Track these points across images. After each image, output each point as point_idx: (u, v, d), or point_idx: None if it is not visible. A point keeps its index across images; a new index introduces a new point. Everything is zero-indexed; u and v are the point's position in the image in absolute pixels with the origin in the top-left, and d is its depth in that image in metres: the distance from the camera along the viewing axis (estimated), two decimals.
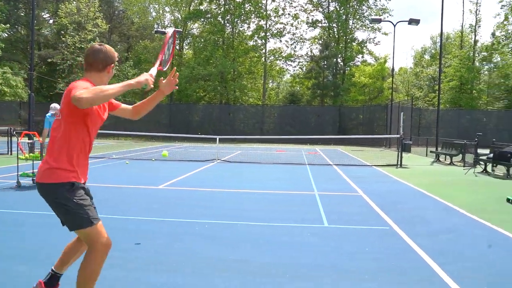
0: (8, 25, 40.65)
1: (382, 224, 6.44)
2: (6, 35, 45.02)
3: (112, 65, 3.15)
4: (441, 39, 24.22)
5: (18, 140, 9.71)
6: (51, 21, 51.84)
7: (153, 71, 3.10)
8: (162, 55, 3.28)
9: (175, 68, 3.45)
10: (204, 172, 13.19)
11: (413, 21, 30.14)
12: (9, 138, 17.64)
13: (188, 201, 8.25)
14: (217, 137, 18.85)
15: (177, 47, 49.02)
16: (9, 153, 17.40)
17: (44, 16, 51.86)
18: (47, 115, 9.96)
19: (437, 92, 25.53)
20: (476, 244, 5.51)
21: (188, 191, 9.41)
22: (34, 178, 9.49)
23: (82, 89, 2.70)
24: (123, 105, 3.45)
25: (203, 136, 22.41)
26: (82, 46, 40.75)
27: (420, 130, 36.45)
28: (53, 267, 3.34)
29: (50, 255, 4.42)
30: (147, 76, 2.95)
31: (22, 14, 48.33)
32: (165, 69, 3.40)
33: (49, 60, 42.22)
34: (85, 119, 2.97)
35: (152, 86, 3.01)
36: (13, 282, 3.87)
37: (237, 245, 5.21)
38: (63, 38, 40.77)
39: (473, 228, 6.39)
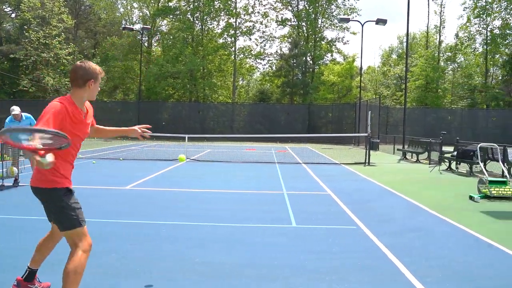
0: None
1: (349, 224, 6.50)
2: None
3: (92, 80, 3.26)
4: (407, 39, 24.73)
5: None
6: (13, 15, 50.18)
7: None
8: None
9: (150, 126, 4.01)
10: (172, 172, 13.03)
11: (381, 21, 30.71)
12: None
13: (155, 202, 8.11)
14: (186, 136, 18.67)
15: (146, 44, 48.33)
16: None
17: (6, 10, 50.15)
18: (7, 119, 9.60)
19: (404, 91, 26.06)
20: (440, 242, 5.62)
21: (156, 192, 9.26)
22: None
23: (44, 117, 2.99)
24: (95, 125, 3.80)
25: (172, 134, 22.10)
26: (47, 42, 39.61)
27: (388, 128, 37.17)
28: (28, 265, 3.61)
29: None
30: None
31: None
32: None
33: (12, 56, 40.83)
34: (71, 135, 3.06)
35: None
36: None
37: (204, 247, 5.15)
38: (26, 33, 39.50)
39: (438, 226, 6.52)
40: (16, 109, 9.52)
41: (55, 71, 40.59)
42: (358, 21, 33.83)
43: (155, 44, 52.20)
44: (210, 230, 5.96)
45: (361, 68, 35.23)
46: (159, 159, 16.86)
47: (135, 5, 51.30)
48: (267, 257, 4.79)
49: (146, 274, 4.19)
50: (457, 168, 14.82)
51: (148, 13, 49.75)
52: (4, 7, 48.63)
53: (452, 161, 14.95)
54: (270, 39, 49.74)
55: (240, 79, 58.65)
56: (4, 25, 48.01)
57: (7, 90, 43.18)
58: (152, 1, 48.57)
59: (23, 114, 9.67)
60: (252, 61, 51.25)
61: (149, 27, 44.46)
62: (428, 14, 64.41)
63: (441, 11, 47.45)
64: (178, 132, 30.89)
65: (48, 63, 40.33)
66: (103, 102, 42.71)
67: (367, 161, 16.48)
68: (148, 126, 3.96)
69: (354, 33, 48.68)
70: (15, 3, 46.82)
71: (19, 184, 9.41)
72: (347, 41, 62.81)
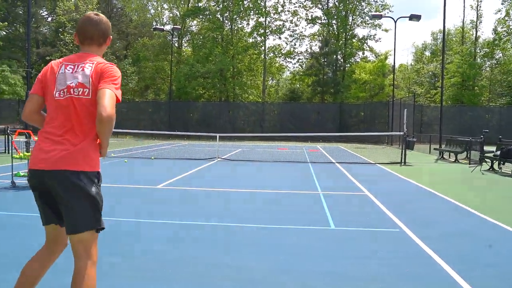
0: (6, 23, 40.29)
1: (391, 226, 6.11)
2: (4, 33, 44.68)
3: (111, 37, 2.86)
4: (443, 35, 23.89)
5: (12, 139, 9.39)
6: (49, 19, 51.49)
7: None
8: None
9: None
10: (204, 171, 12.86)
11: (414, 17, 29.85)
12: (6, 137, 17.33)
13: (187, 202, 7.92)
14: (217, 135, 18.52)
15: (176, 44, 48.65)
16: (6, 152, 17.09)
17: (43, 14, 51.49)
18: None
19: (439, 88, 25.21)
20: (494, 248, 5.17)
21: (187, 191, 9.08)
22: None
23: (113, 103, 2.53)
24: None
25: (203, 134, 22.04)
26: None
27: (422, 127, 36.13)
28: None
29: None
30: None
31: (20, 12, 47.93)
32: None
33: (48, 58, 41.84)
34: None
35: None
36: None
37: (238, 250, 4.88)
38: (61, 36, 40.42)
39: (488, 230, 6.05)
40: None
41: None
42: (391, 17, 33.04)
43: (185, 44, 52.54)
44: (243, 232, 5.70)
45: (394, 65, 34.37)
46: (190, 158, 16.76)
47: (165, 6, 51.76)
48: (304, 263, 4.48)
49: (178, 278, 3.94)
50: (500, 168, 14.09)
51: (178, 13, 50.08)
52: (41, 11, 49.97)
53: (495, 161, 14.22)
54: (300, 37, 49.34)
55: (270, 78, 58.36)
56: (41, 29, 49.33)
57: None
58: (182, 2, 48.87)
59: None
60: (282, 60, 50.95)
61: (179, 27, 44.71)
62: (464, 9, 62.74)
63: (477, 5, 45.77)
64: (209, 132, 30.93)
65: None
66: (134, 102, 43.26)
67: (403, 160, 15.90)
68: None
69: (386, 30, 47.68)
70: (51, 7, 48.08)
71: None
72: (379, 38, 61.67)
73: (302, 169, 13.85)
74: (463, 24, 48.07)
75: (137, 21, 51.54)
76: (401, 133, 17.15)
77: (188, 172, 12.36)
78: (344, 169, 13.92)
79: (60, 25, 41.84)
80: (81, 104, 2.57)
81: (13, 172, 9.20)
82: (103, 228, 2.65)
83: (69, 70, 2.64)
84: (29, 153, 9.16)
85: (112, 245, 4.88)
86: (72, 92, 2.58)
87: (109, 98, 2.48)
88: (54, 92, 2.62)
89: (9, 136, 15.49)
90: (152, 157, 16.98)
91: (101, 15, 2.81)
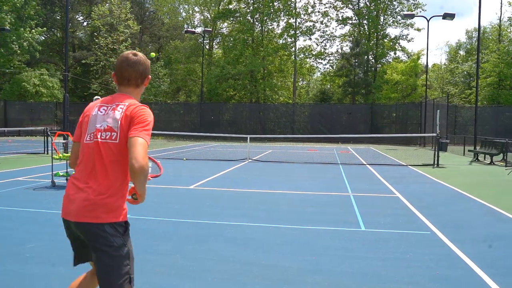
0: (45, 28, 41.81)
1: (422, 229, 6.09)
2: (43, 38, 46.32)
3: (150, 76, 2.69)
4: (478, 34, 23.31)
5: (52, 140, 9.80)
6: (85, 24, 52.98)
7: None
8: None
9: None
10: (235, 172, 13.03)
11: (448, 16, 29.23)
12: (45, 138, 18.06)
13: (219, 202, 8.09)
14: (248, 136, 18.69)
15: (207, 47, 49.21)
16: (45, 152, 17.79)
17: (79, 19, 53.03)
18: None
19: (474, 88, 24.61)
20: None
21: (219, 191, 9.25)
22: (68, 177, 9.55)
23: (144, 153, 2.33)
24: None
25: (233, 135, 22.28)
26: (115, 47, 41.41)
27: (456, 129, 35.32)
28: None
29: None
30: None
31: (58, 17, 49.57)
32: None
33: (83, 61, 43.16)
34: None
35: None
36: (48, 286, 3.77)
37: (270, 249, 5.00)
38: (96, 40, 41.56)
39: None
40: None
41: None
42: (424, 17, 32.47)
43: (216, 47, 53.07)
44: (275, 232, 5.81)
45: (427, 65, 33.78)
46: (221, 160, 16.98)
47: (196, 9, 52.47)
48: (335, 263, 4.55)
49: (210, 276, 4.09)
50: None
51: (209, 16, 50.66)
52: (77, 16, 51.50)
53: None
54: (331, 38, 49.10)
55: (301, 79, 58.25)
56: (77, 33, 50.82)
57: (79, 94, 45.67)
58: (213, 5, 49.41)
59: None
60: (313, 61, 50.79)
61: (210, 30, 45.23)
62: (501, 6, 60.77)
63: None
64: (239, 133, 31.12)
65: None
66: (166, 104, 44.01)
67: (435, 162, 15.65)
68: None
69: (418, 30, 46.84)
70: (86, 12, 49.48)
71: None
72: (412, 38, 60.56)
73: (333, 170, 13.84)
74: (500, 22, 46.67)
75: (169, 24, 52.42)
76: (434, 134, 16.87)
77: (219, 173, 12.55)
78: (375, 171, 13.83)
79: (95, 29, 42.98)
80: (108, 149, 2.42)
81: (53, 172, 9.59)
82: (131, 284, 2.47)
83: (101, 112, 2.52)
84: (68, 154, 9.54)
85: (146, 243, 5.08)
86: (99, 136, 2.45)
87: (141, 148, 2.30)
88: (86, 136, 2.52)
89: (49, 138, 16.12)
90: (184, 159, 17.30)
91: (140, 54, 2.62)
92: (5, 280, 3.91)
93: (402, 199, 8.47)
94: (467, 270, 4.38)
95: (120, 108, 2.48)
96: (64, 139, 12.54)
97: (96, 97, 9.84)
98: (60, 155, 9.61)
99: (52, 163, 9.71)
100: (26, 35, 37.30)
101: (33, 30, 38.31)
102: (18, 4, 37.32)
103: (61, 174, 9.69)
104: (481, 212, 7.49)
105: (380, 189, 9.85)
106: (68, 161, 9.34)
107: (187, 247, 5.02)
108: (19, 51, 37.37)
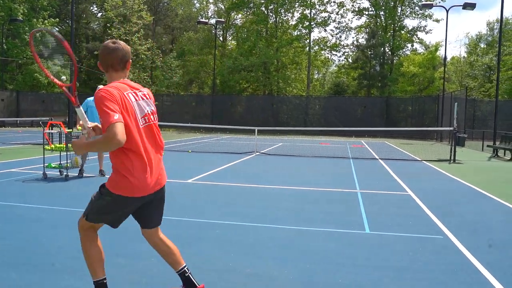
0: (57, 19, 41.66)
1: (435, 232, 5.45)
2: (57, 29, 46.28)
3: (130, 60, 2.96)
4: (500, 26, 22.27)
5: (43, 131, 9.36)
6: (99, 15, 52.85)
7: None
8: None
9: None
10: (239, 165, 12.48)
11: (468, 5, 28.14)
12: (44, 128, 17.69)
13: (214, 198, 7.54)
14: (256, 129, 18.07)
15: (220, 38, 48.62)
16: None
17: (93, 10, 52.91)
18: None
19: (494, 82, 23.60)
20: None
21: (218, 186, 8.71)
22: (61, 169, 9.10)
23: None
24: None
25: (243, 127, 21.68)
26: (127, 38, 41.05)
27: (475, 123, 34.22)
28: (176, 270, 3.30)
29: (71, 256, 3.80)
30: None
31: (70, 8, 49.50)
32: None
33: (96, 52, 42.86)
34: None
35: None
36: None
37: (259, 254, 4.42)
38: (109, 31, 41.23)
39: None
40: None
41: (134, 66, 42.03)
42: (443, 7, 31.33)
43: (229, 38, 52.45)
44: (267, 233, 5.23)
45: (445, 57, 32.65)
46: (227, 152, 16.44)
47: (210, 0, 51.83)
48: (331, 273, 3.95)
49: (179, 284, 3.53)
50: None
51: (223, 7, 50.01)
52: (91, 7, 51.38)
53: None
54: (346, 30, 48.03)
55: (316, 72, 57.34)
56: (91, 25, 50.71)
57: (92, 85, 45.50)
58: None
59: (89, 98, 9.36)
60: (327, 53, 49.83)
61: (223, 20, 44.57)
62: None
63: None
64: (252, 126, 30.54)
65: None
66: (178, 96, 43.62)
67: (452, 158, 14.88)
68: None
69: (437, 21, 45.51)
70: (100, 3, 49.29)
71: (84, 175, 9.29)
72: (430, 30, 58.89)
73: (343, 165, 13.19)
74: None
75: (182, 15, 51.92)
76: (451, 128, 16.06)
77: (222, 166, 12.01)
78: (388, 166, 13.14)
79: (108, 21, 42.70)
80: (158, 128, 3.04)
81: (45, 164, 9.16)
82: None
83: (143, 99, 2.94)
84: (60, 145, 9.08)
85: (119, 244, 4.56)
86: (152, 119, 3.01)
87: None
88: (138, 120, 2.86)
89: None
90: (189, 151, 16.79)
91: (121, 42, 2.94)
92: None
93: (414, 198, 7.81)
94: (483, 283, 3.74)
95: (148, 95, 2.99)
96: (57, 129, 12.06)
97: (100, 86, 9.32)
98: (52, 146, 9.16)
99: (43, 154, 9.27)
100: (39, 25, 37.15)
101: (46, 21, 38.19)
102: None
103: (53, 165, 9.26)
104: (501, 213, 6.81)
105: (391, 186, 9.19)
106: (69, 151, 8.87)
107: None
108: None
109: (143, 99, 2.89)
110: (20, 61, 37.61)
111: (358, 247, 4.78)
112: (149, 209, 3.10)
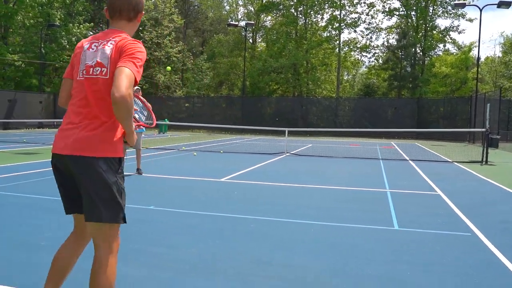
0: (92, 23, 42.93)
1: (462, 230, 5.57)
2: (91, 33, 47.71)
3: (143, 12, 2.66)
4: None
5: None
6: None
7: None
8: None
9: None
10: (269, 165, 12.74)
11: (503, 4, 27.57)
12: None
13: (247, 195, 7.83)
14: (286, 130, 18.32)
15: (250, 40, 49.02)
16: None
17: None
18: None
19: None
20: None
21: (250, 185, 9.00)
22: None
23: (129, 84, 2.27)
24: None
25: (273, 128, 21.97)
26: (159, 41, 42.03)
27: (510, 124, 33.41)
28: None
29: None
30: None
31: (104, 13, 50.93)
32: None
33: None
34: None
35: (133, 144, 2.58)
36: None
37: (291, 247, 4.67)
38: (141, 34, 42.29)
39: None
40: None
41: (166, 68, 43.00)
42: (476, 6, 30.77)
43: (259, 40, 52.86)
44: (299, 229, 5.47)
45: (478, 57, 32.01)
46: (258, 153, 16.74)
47: (240, 2, 52.45)
48: (360, 265, 4.17)
49: (221, 273, 3.83)
50: None
51: (252, 9, 50.46)
52: None
53: None
54: (377, 30, 47.63)
55: (346, 73, 57.07)
56: None
57: None
58: None
59: None
60: (357, 54, 49.56)
61: (253, 23, 44.97)
62: None
63: None
64: (282, 127, 30.75)
65: (160, 61, 42.84)
66: (209, 98, 44.27)
67: (484, 159, 14.72)
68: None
69: (470, 20, 44.58)
70: None
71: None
72: (463, 30, 57.72)
73: (373, 166, 13.28)
74: None
75: (213, 18, 52.67)
76: (483, 129, 15.88)
77: (253, 166, 12.31)
78: (418, 167, 13.14)
79: (140, 24, 43.76)
80: (99, 84, 2.40)
81: None
82: (124, 222, 2.48)
83: (92, 49, 2.47)
84: None
85: (161, 236, 4.89)
86: (90, 72, 2.42)
87: (125, 77, 2.24)
88: (78, 73, 2.48)
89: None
90: (221, 151, 17.18)
91: None
92: (16, 267, 3.81)
93: (443, 197, 7.90)
94: (510, 278, 3.89)
95: (111, 43, 2.43)
96: None
97: (137, 87, 9.81)
98: None
99: None
100: (74, 30, 38.42)
101: (81, 26, 39.42)
102: (67, 1, 38.53)
103: None
104: None
105: (421, 186, 9.27)
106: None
107: (205, 242, 4.77)
108: (68, 46, 38.57)
109: (92, 49, 2.48)
110: (57, 65, 38.92)
111: (387, 242, 4.96)
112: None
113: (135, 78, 2.33)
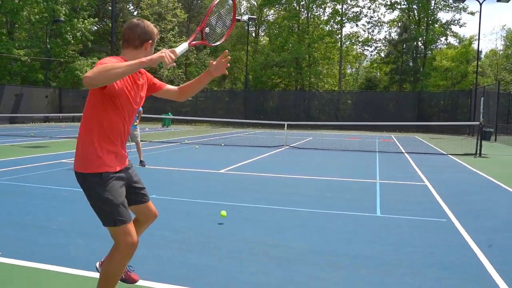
0: (96, 18, 43.39)
1: (439, 216, 6.06)
2: (96, 28, 48.13)
3: (150, 41, 2.83)
4: None
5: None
6: (135, 13, 54.51)
7: (180, 48, 2.73)
8: (201, 27, 3.01)
9: (227, 50, 3.10)
10: (268, 158, 13.23)
11: None
12: None
13: (244, 186, 8.33)
14: (285, 123, 18.78)
15: (253, 34, 49.36)
16: None
17: (130, 9, 54.63)
18: None
19: None
20: None
21: (247, 176, 9.50)
22: None
23: (96, 66, 2.44)
24: (168, 86, 3.16)
25: (271, 122, 22.44)
26: (162, 35, 42.43)
27: (510, 118, 33.70)
28: None
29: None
30: (163, 53, 2.53)
31: (109, 8, 51.28)
32: (215, 44, 3.18)
33: None
34: (108, 100, 2.70)
35: (174, 64, 2.67)
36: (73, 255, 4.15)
37: (281, 231, 5.17)
38: None
39: None
40: None
41: None
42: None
43: (262, 34, 53.17)
44: (288, 215, 5.98)
45: (478, 51, 32.31)
46: (258, 146, 17.22)
47: None
48: (339, 246, 4.67)
49: (218, 252, 4.33)
50: None
51: (255, 3, 50.73)
52: (128, 6, 53.09)
53: None
54: (378, 24, 47.86)
55: (348, 66, 57.32)
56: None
57: None
58: None
59: None
60: (359, 48, 49.82)
61: (255, 17, 45.29)
62: None
63: None
64: (284, 121, 31.15)
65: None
66: (212, 91, 44.72)
67: (478, 152, 15.15)
68: (225, 52, 3.07)
69: (472, 13, 44.72)
70: (136, 2, 50.91)
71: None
72: (464, 23, 57.83)
73: (368, 158, 13.74)
74: None
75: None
76: (477, 123, 16.29)
77: (252, 158, 12.80)
78: (412, 159, 13.60)
79: (144, 19, 44.15)
80: (87, 98, 2.77)
81: None
82: (115, 225, 2.74)
83: None
84: None
85: (164, 221, 5.40)
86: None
87: (94, 68, 2.44)
88: None
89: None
90: (222, 144, 17.68)
91: (146, 21, 2.86)
92: (30, 248, 4.32)
93: (429, 188, 8.37)
94: (472, 258, 4.37)
95: None
96: None
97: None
98: None
99: None
100: (79, 25, 38.90)
101: (85, 21, 39.89)
102: None
103: None
104: (509, 203, 7.30)
105: (410, 177, 9.75)
106: None
107: (203, 226, 5.29)
108: (72, 41, 39.10)
109: None
110: (62, 60, 39.46)
111: (367, 227, 5.46)
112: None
113: (100, 64, 2.48)
